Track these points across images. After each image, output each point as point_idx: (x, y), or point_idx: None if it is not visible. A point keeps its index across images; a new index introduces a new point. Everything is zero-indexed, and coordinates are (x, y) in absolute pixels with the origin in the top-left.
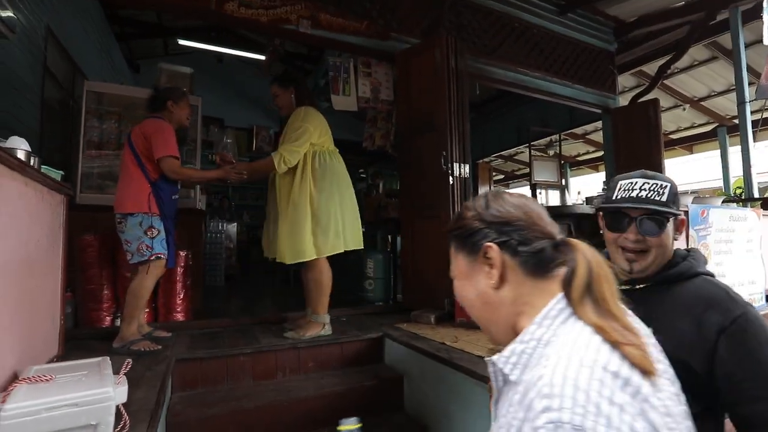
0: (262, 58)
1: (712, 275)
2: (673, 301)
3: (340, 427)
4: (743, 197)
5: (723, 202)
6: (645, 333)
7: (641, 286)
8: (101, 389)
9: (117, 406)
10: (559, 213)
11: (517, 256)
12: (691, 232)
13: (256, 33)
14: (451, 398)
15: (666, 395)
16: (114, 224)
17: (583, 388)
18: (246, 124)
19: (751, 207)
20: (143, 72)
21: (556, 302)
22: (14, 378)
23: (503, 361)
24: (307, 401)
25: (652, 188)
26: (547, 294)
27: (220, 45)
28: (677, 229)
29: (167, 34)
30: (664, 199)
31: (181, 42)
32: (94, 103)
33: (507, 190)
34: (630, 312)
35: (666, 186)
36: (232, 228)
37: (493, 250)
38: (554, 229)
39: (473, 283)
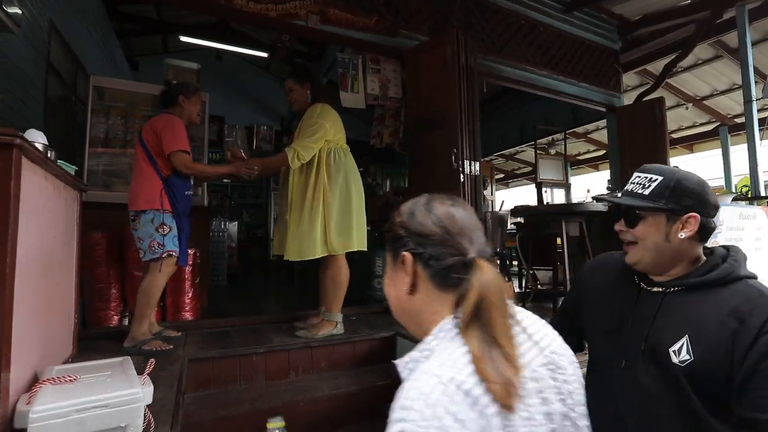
0: (264, 55)
1: (755, 277)
2: (714, 307)
3: (269, 425)
4: (750, 195)
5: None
6: (536, 357)
7: (675, 289)
8: (130, 390)
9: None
10: (570, 211)
11: (428, 268)
12: None
13: (261, 29)
14: None
15: (522, 416)
16: (121, 222)
17: (432, 404)
18: (246, 122)
19: (758, 205)
20: (142, 69)
21: (453, 317)
22: (35, 379)
23: (402, 365)
24: (322, 401)
25: (640, 181)
26: (453, 307)
27: (221, 42)
28: (684, 227)
29: (168, 31)
30: (646, 192)
31: (183, 39)
32: (100, 99)
33: (444, 199)
34: (529, 334)
35: (655, 180)
36: (234, 227)
37: (407, 259)
38: (472, 245)
39: (394, 284)
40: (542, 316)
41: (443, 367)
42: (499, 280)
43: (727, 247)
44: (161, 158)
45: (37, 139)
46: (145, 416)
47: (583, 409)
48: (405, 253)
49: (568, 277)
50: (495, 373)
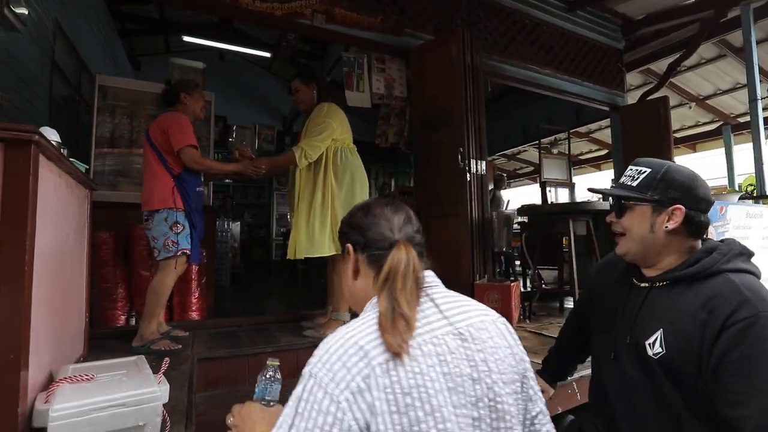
0: (267, 55)
1: (745, 270)
2: (690, 300)
3: (269, 362)
4: (756, 194)
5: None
6: (442, 327)
7: (661, 283)
8: (148, 389)
9: None
10: (577, 210)
11: (364, 253)
12: (710, 228)
13: (266, 28)
14: None
15: (410, 369)
16: (127, 221)
17: (331, 353)
18: (248, 122)
19: (764, 203)
20: (144, 69)
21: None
22: (50, 378)
23: None
24: None
25: (630, 174)
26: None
27: (223, 42)
28: (670, 219)
29: (170, 31)
30: (634, 184)
31: (186, 38)
32: (105, 98)
33: (381, 201)
34: (441, 310)
35: (644, 172)
36: (236, 227)
37: (349, 249)
38: (400, 233)
39: (345, 275)
40: (548, 315)
41: (351, 329)
42: (413, 258)
43: (722, 240)
44: (171, 156)
45: (51, 136)
46: (162, 415)
47: (506, 378)
48: (348, 244)
49: (575, 276)
50: (391, 327)
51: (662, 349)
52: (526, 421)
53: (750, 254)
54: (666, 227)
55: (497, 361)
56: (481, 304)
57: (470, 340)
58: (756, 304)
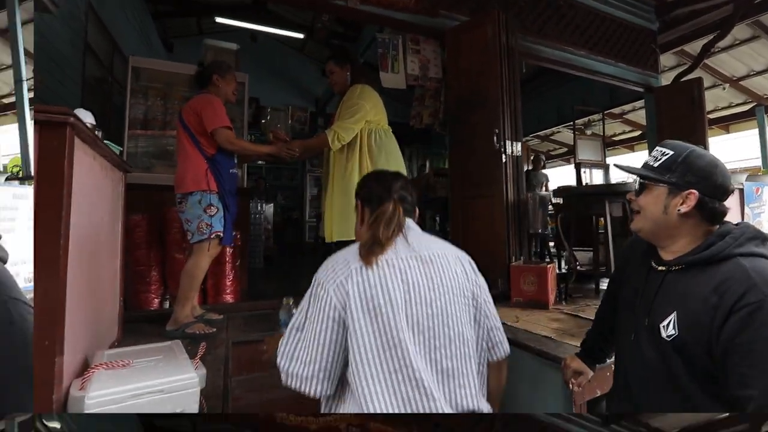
0: (300, 36)
1: (757, 254)
2: (702, 284)
3: (284, 300)
4: None
5: None
6: (407, 252)
7: (676, 267)
8: (186, 375)
9: None
10: (614, 191)
11: (368, 207)
12: (746, 209)
13: (300, 10)
14: (519, 379)
15: (377, 272)
16: (161, 204)
17: (328, 265)
18: (281, 104)
19: None
20: (177, 52)
21: None
22: (85, 363)
23: None
24: None
25: (655, 155)
26: None
27: (256, 23)
28: (684, 203)
29: (203, 13)
30: (656, 165)
31: (219, 20)
32: (138, 80)
33: (386, 171)
34: (410, 243)
35: (667, 154)
36: (269, 209)
37: (359, 203)
38: (394, 193)
39: (357, 221)
40: (584, 297)
41: (344, 251)
42: (398, 211)
43: (737, 224)
44: (204, 137)
45: (86, 118)
46: (199, 401)
47: (456, 291)
48: (358, 200)
49: (612, 257)
50: (368, 250)
51: (675, 331)
52: (482, 331)
53: (764, 238)
54: (679, 210)
55: (450, 279)
56: (450, 246)
57: (429, 263)
58: (763, 288)
